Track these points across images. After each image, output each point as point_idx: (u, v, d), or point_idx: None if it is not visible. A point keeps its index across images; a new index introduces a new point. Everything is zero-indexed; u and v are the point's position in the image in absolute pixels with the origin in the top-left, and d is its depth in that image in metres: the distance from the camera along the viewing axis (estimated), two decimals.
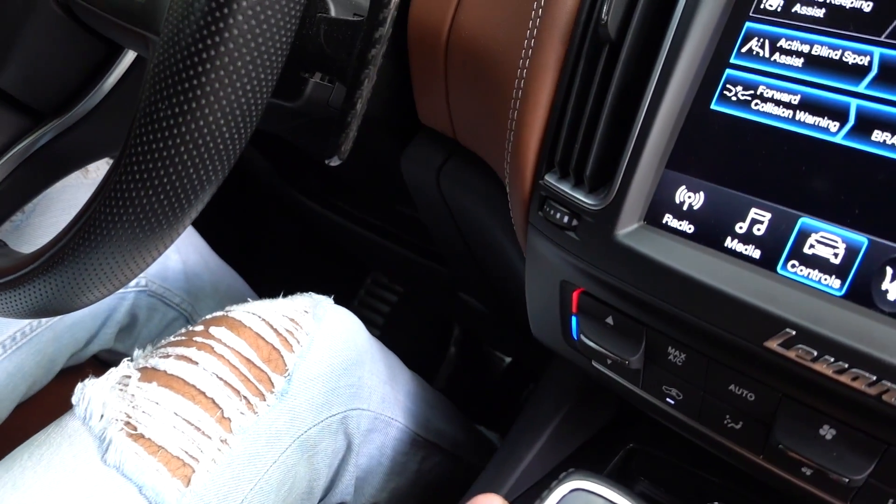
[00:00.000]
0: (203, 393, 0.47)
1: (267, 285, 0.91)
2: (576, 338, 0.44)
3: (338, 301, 0.60)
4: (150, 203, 0.31)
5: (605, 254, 0.39)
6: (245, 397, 0.49)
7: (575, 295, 0.42)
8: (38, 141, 0.48)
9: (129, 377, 0.47)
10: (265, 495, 0.50)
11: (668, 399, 0.40)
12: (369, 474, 0.62)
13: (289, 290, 0.59)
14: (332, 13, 0.48)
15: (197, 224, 0.83)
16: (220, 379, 0.48)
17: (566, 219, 0.40)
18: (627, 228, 0.38)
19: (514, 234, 0.48)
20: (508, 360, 1.15)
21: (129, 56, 0.45)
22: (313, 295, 0.59)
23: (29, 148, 0.48)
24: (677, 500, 0.53)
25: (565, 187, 0.40)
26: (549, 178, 0.41)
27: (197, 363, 0.48)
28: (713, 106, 0.36)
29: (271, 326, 0.52)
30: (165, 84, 0.28)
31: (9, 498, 0.42)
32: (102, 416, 0.45)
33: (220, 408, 0.47)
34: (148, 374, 0.48)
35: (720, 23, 0.36)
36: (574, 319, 0.43)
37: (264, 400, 0.50)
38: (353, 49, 0.42)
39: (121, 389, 0.47)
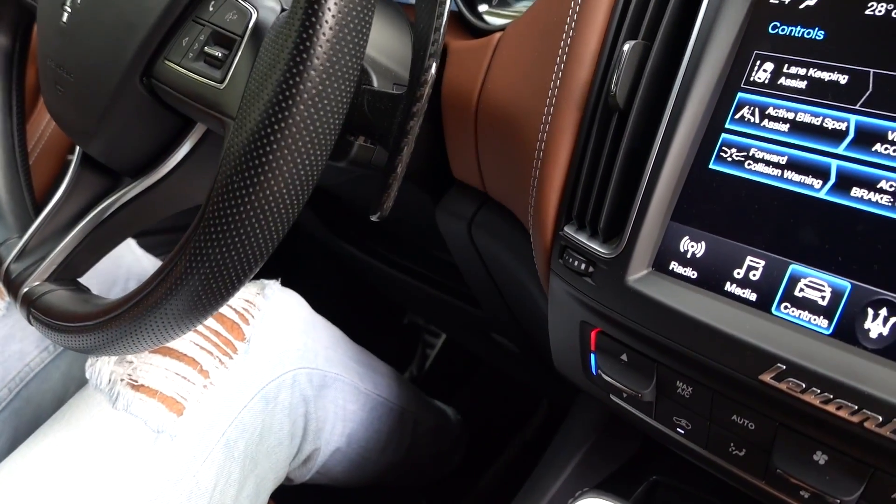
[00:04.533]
0: (185, 354, 0.59)
1: None
2: (595, 373, 0.48)
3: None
4: (223, 259, 0.37)
5: (618, 297, 0.43)
6: (217, 357, 0.60)
7: (593, 334, 0.47)
8: (116, 202, 0.55)
9: None
10: (241, 432, 0.61)
11: (678, 429, 0.44)
12: (327, 423, 0.73)
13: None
14: (375, 84, 0.54)
15: None
16: (197, 345, 0.60)
17: (583, 266, 0.45)
18: (637, 274, 0.42)
19: (538, 279, 0.53)
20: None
21: (200, 128, 0.51)
22: (263, 280, 0.71)
23: (108, 208, 0.55)
24: None
25: (582, 238, 0.45)
26: (568, 230, 0.46)
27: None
28: (711, 165, 0.41)
29: (231, 307, 0.65)
30: (239, 161, 0.34)
31: (40, 446, 0.54)
32: (110, 379, 0.57)
33: (200, 363, 0.59)
34: None
35: (715, 93, 0.41)
36: (593, 357, 0.48)
37: (231, 359, 0.61)
38: (394, 118, 0.47)
39: (120, 360, 0.58)
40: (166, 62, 0.44)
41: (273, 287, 0.70)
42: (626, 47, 0.43)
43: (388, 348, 0.92)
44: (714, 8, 0.41)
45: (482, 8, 0.66)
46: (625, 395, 0.46)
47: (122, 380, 0.56)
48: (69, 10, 0.49)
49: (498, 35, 0.56)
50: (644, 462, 0.62)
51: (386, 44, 0.56)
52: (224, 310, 0.64)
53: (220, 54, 0.41)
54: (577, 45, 0.47)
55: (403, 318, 1.43)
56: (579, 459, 0.59)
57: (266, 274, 0.92)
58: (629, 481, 0.60)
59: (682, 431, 0.44)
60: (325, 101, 0.34)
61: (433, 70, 0.44)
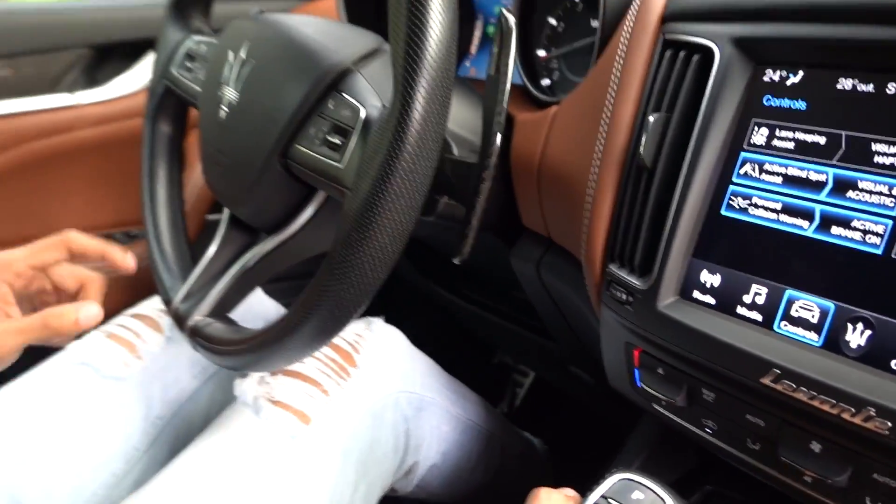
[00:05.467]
0: (310, 377, 0.73)
1: None
2: (639, 386, 0.57)
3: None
4: (343, 293, 0.50)
5: (652, 321, 0.53)
6: (335, 379, 0.74)
7: (636, 353, 0.56)
8: (257, 254, 0.69)
9: (265, 374, 0.74)
10: (355, 442, 0.73)
11: (706, 429, 0.53)
12: (425, 441, 0.85)
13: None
14: (455, 153, 0.67)
15: None
16: (319, 370, 0.74)
17: (624, 296, 0.55)
18: (666, 301, 0.52)
19: (594, 309, 0.63)
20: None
21: (320, 195, 0.66)
22: (370, 318, 0.85)
23: (251, 259, 0.70)
24: None
25: (623, 273, 0.55)
26: (613, 267, 0.57)
27: (304, 362, 0.75)
28: (722, 212, 0.51)
29: (344, 339, 0.79)
30: (355, 221, 0.48)
31: (201, 448, 0.69)
32: (253, 396, 0.71)
33: (321, 384, 0.73)
34: (276, 372, 0.74)
35: (723, 154, 0.51)
36: (636, 372, 0.57)
37: (346, 381, 0.75)
38: (469, 181, 0.60)
39: (260, 381, 0.73)
40: (298, 147, 0.59)
41: (378, 323, 0.84)
42: (652, 118, 0.53)
43: (480, 386, 1.03)
44: (717, 87, 0.51)
45: (545, 82, 0.79)
46: (663, 402, 0.55)
47: (262, 396, 0.71)
48: (226, 109, 0.65)
49: (555, 108, 0.68)
50: (699, 474, 0.69)
51: (462, 118, 0.69)
52: (338, 341, 0.78)
53: (338, 141, 0.55)
54: (616, 117, 0.58)
55: (493, 357, 1.53)
56: (637, 468, 0.67)
57: (371, 313, 1.06)
58: (685, 490, 0.67)
59: (710, 431, 0.52)
60: (415, 175, 0.47)
61: (497, 143, 0.56)
